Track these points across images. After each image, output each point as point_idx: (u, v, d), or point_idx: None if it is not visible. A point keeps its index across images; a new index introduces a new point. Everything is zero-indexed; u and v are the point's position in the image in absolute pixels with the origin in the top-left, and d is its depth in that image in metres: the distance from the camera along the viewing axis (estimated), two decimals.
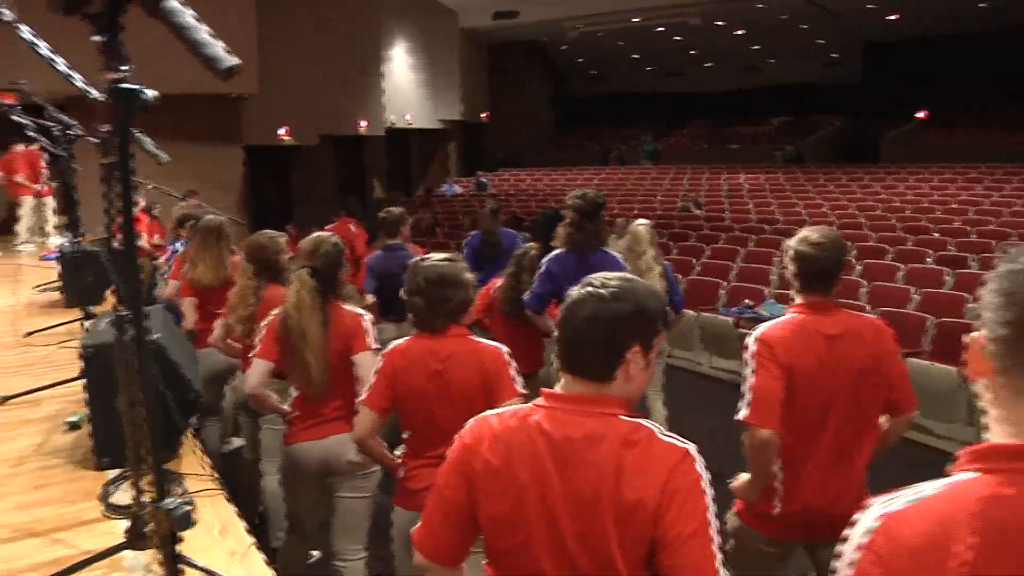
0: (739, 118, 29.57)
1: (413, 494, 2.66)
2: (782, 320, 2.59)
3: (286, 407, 3.32)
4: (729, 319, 7.56)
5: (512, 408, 1.67)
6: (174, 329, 2.91)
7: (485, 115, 27.39)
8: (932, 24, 23.36)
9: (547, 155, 27.37)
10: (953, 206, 13.63)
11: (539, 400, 1.64)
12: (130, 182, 1.03)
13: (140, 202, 9.35)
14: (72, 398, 3.41)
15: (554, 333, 4.17)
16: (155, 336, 2.53)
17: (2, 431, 3.03)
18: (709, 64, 30.81)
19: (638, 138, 28.67)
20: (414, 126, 22.46)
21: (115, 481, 2.41)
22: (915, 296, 7.85)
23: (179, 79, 11.50)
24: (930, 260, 9.62)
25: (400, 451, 2.80)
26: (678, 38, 26.88)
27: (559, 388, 1.63)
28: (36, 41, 1.80)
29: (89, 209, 4.76)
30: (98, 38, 1.03)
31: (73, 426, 2.98)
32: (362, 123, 18.92)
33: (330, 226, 8.13)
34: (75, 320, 5.05)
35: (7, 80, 4.23)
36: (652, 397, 5.23)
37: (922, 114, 24.72)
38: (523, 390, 2.61)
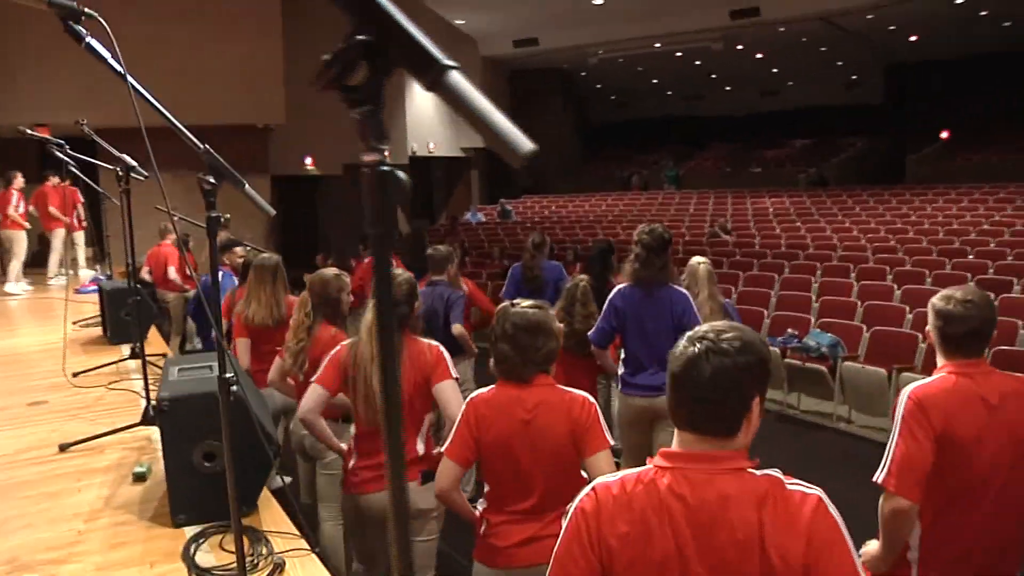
0: (759, 142, 29.48)
1: (498, 551, 2.56)
2: (937, 379, 2.38)
3: (343, 445, 3.27)
4: (775, 349, 7.42)
5: (628, 473, 1.59)
6: (242, 372, 2.83)
7: None
8: (954, 44, 23.26)
9: (570, 181, 27.33)
10: (987, 227, 13.41)
11: (659, 461, 1.56)
12: (388, 266, 0.93)
13: (171, 236, 9.36)
14: (132, 445, 3.34)
15: (619, 371, 4.01)
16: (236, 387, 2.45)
17: (68, 481, 2.95)
18: (728, 88, 30.81)
19: (659, 163, 28.64)
20: (436, 154, 22.52)
21: (196, 540, 2.32)
22: None
23: (204, 109, 11.59)
24: (971, 284, 9.43)
25: (480, 505, 2.70)
26: (697, 62, 26.86)
27: (676, 446, 1.55)
28: (143, 90, 1.75)
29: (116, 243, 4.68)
30: (357, 113, 0.86)
31: (140, 477, 2.89)
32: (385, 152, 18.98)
33: (367, 260, 8.06)
34: (122, 359, 5.00)
35: (71, 119, 4.21)
36: None
37: (944, 134, 24.59)
38: (613, 442, 2.51)
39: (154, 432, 3.43)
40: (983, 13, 20.46)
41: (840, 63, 26.79)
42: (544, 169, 28.28)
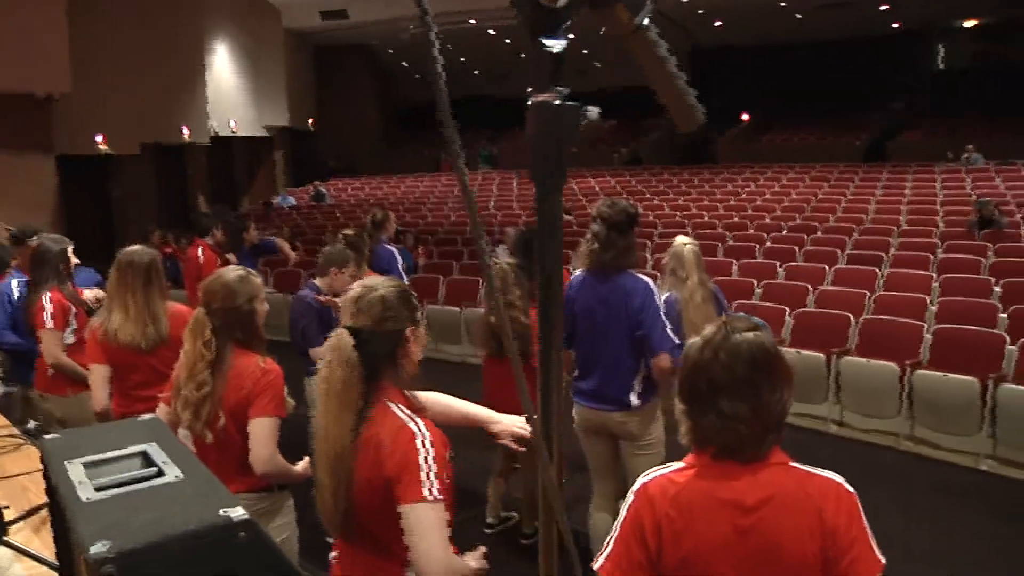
0: None
1: None
2: None
3: None
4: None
5: None
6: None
7: (312, 121, 25.64)
8: (753, 32, 24.22)
9: (379, 162, 26.13)
10: (817, 203, 13.72)
11: None
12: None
13: None
14: None
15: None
16: (235, 513, 1.26)
17: None
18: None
19: (469, 143, 27.91)
20: (239, 133, 20.49)
21: None
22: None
23: None
24: (843, 257, 9.33)
25: None
26: (508, 40, 26.36)
27: None
28: None
29: None
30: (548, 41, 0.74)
31: None
32: (185, 130, 16.91)
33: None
34: None
35: None
36: None
37: (744, 116, 25.59)
38: (883, 560, 1.54)
39: None
40: (781, 4, 21.31)
41: None
42: (352, 150, 26.81)
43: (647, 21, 0.77)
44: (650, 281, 3.57)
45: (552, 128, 0.70)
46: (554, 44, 0.76)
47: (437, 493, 1.75)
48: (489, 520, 4.60)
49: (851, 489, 1.56)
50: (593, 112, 0.75)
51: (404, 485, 1.76)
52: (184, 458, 1.49)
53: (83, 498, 1.32)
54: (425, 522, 1.74)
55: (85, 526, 1.21)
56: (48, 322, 3.85)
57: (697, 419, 1.59)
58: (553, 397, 0.78)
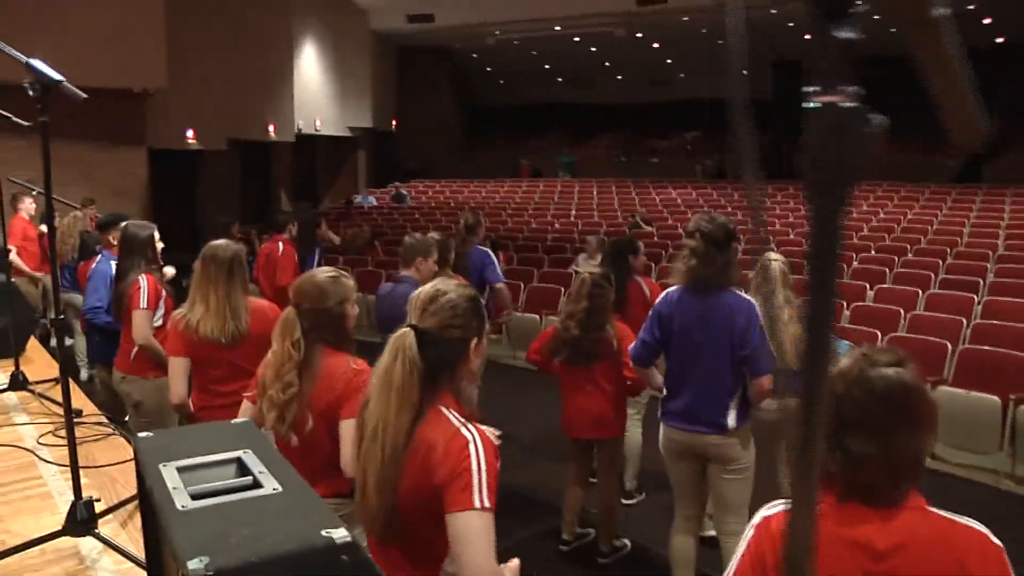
0: (648, 131, 29.17)
1: None
2: None
3: None
4: None
5: None
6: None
7: (395, 122, 25.91)
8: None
9: (458, 166, 26.19)
10: (908, 224, 13.17)
11: None
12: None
13: (30, 208, 7.69)
14: (51, 573, 1.96)
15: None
16: (338, 534, 1.17)
17: None
18: (619, 76, 30.37)
19: (548, 149, 27.83)
20: (323, 132, 20.81)
21: None
22: None
23: (69, 67, 9.77)
24: (936, 281, 8.92)
25: None
26: (593, 48, 26.22)
27: None
28: None
29: None
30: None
31: None
32: (271, 128, 17.22)
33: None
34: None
35: None
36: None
37: None
38: None
39: (85, 545, 2.06)
40: (875, 17, 20.58)
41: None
42: (431, 152, 26.96)
43: (942, 11, 0.66)
44: (754, 301, 3.46)
45: (835, 135, 0.58)
46: (847, 33, 0.62)
47: (487, 503, 1.73)
48: (564, 536, 4.48)
49: (998, 542, 1.41)
50: (878, 118, 0.63)
51: (454, 492, 1.74)
52: (280, 468, 1.43)
53: (179, 506, 1.26)
54: (473, 530, 1.71)
55: (182, 537, 1.15)
56: (143, 302, 3.90)
57: (823, 456, 1.47)
58: (816, 435, 0.66)
